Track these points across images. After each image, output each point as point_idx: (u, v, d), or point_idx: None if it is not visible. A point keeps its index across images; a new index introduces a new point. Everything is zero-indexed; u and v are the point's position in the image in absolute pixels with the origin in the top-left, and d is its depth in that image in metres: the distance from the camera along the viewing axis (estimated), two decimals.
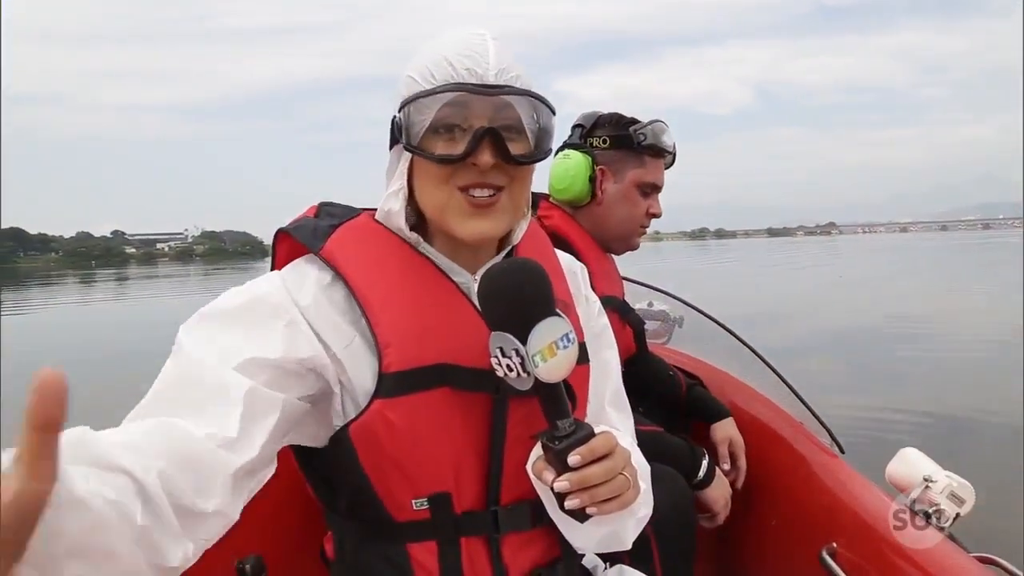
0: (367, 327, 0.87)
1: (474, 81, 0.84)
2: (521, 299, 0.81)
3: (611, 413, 1.08)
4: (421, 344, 0.87)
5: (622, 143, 1.57)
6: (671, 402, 1.74)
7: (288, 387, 0.83)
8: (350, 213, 0.98)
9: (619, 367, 1.13)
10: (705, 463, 1.51)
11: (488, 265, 0.94)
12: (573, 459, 0.79)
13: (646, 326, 2.47)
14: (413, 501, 0.89)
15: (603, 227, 1.61)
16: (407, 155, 0.89)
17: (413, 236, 0.93)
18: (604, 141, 1.58)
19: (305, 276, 0.90)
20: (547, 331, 0.80)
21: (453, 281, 0.92)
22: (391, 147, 0.93)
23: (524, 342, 0.79)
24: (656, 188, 1.61)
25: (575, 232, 1.57)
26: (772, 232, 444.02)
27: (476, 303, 0.90)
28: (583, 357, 0.99)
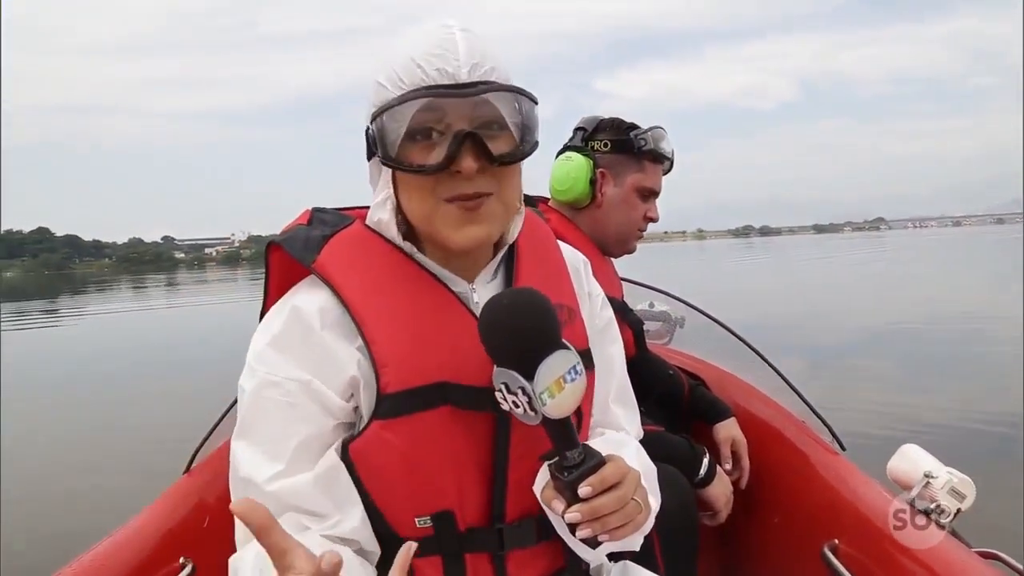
0: (364, 346, 0.84)
1: (446, 81, 0.79)
2: (525, 335, 0.77)
3: (617, 411, 1.07)
4: (420, 362, 0.84)
5: (623, 147, 1.60)
6: (673, 402, 1.74)
7: (340, 432, 0.87)
8: (343, 221, 0.93)
9: (624, 362, 1.11)
10: (706, 461, 1.52)
11: (486, 271, 0.92)
12: (584, 491, 0.77)
13: (647, 327, 2.47)
14: (416, 519, 0.86)
15: (602, 230, 1.63)
16: (378, 164, 0.87)
17: (407, 246, 0.89)
18: (605, 145, 1.60)
19: (303, 318, 0.86)
20: (554, 366, 0.77)
21: (452, 292, 0.89)
22: (368, 158, 0.89)
23: (530, 379, 0.76)
24: (654, 193, 1.63)
25: (573, 235, 1.58)
26: (818, 228, 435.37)
27: (476, 313, 0.86)
28: (588, 364, 0.95)
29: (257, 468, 0.82)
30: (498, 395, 0.80)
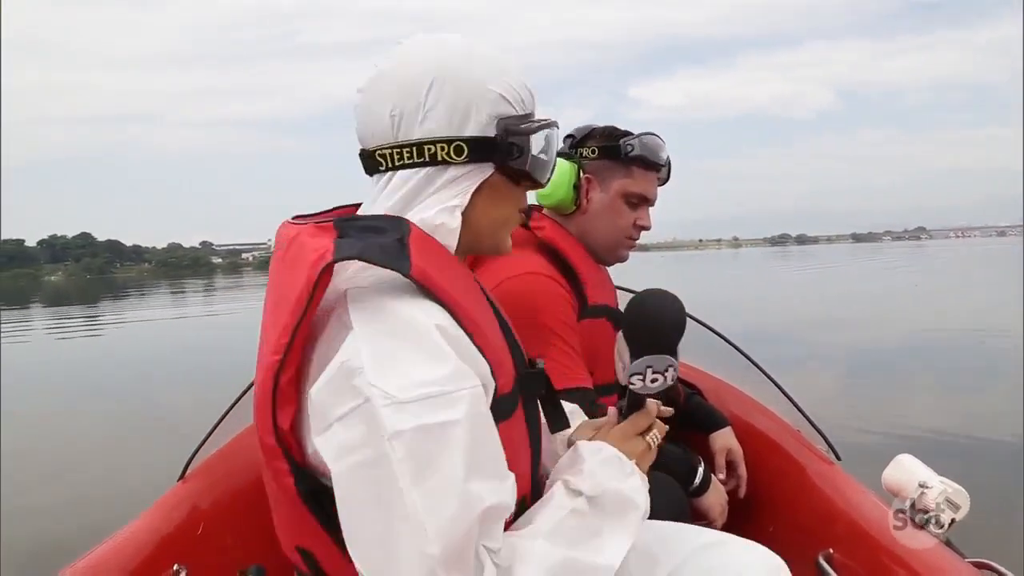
0: (478, 351, 0.79)
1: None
2: (677, 325, 0.99)
3: None
4: (508, 359, 0.87)
5: (610, 153, 1.57)
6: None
7: None
8: (400, 223, 0.83)
9: None
10: (701, 470, 1.51)
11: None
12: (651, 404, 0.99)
13: None
14: None
15: (589, 236, 1.61)
16: (481, 172, 0.87)
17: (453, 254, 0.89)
18: (593, 151, 1.58)
19: (444, 331, 0.76)
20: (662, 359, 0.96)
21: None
22: (469, 160, 0.86)
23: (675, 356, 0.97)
24: (645, 200, 1.61)
25: (565, 242, 1.57)
26: (857, 237, 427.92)
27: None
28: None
29: (503, 495, 0.75)
30: (635, 378, 0.95)
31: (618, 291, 1.68)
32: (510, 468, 0.79)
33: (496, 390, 0.81)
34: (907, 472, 1.28)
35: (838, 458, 1.52)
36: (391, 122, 0.85)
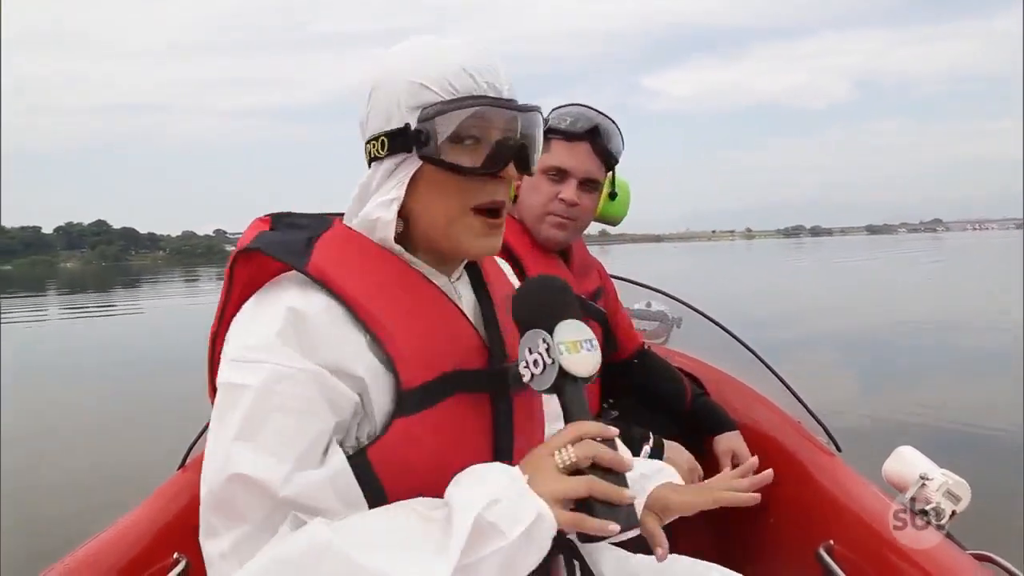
0: (377, 345, 0.83)
1: (492, 94, 0.86)
2: (550, 302, 0.87)
3: None
4: (431, 355, 0.86)
5: None
6: (672, 407, 1.72)
7: (336, 432, 0.82)
8: (323, 223, 0.93)
9: None
10: (647, 448, 1.47)
11: (460, 268, 0.98)
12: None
13: (644, 326, 2.43)
14: None
15: (524, 220, 1.56)
16: (411, 164, 0.87)
17: (397, 247, 0.91)
18: None
19: (303, 315, 0.81)
20: (572, 329, 0.85)
21: (439, 288, 0.92)
22: (388, 154, 0.88)
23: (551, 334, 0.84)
24: (564, 172, 1.52)
25: (510, 230, 1.43)
26: (872, 229, 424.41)
27: (461, 306, 0.92)
28: None
29: (270, 470, 0.75)
30: (521, 363, 0.84)
31: (623, 284, 1.66)
32: (442, 460, 0.82)
33: (399, 383, 0.82)
34: (908, 464, 1.28)
35: (838, 449, 1.52)
36: (360, 131, 0.93)
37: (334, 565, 0.71)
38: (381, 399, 0.83)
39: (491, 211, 0.89)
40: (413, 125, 0.85)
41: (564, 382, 0.83)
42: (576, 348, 0.83)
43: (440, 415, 0.85)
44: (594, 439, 0.80)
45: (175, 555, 1.32)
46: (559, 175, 1.52)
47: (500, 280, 1.04)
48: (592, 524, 0.76)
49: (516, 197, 1.56)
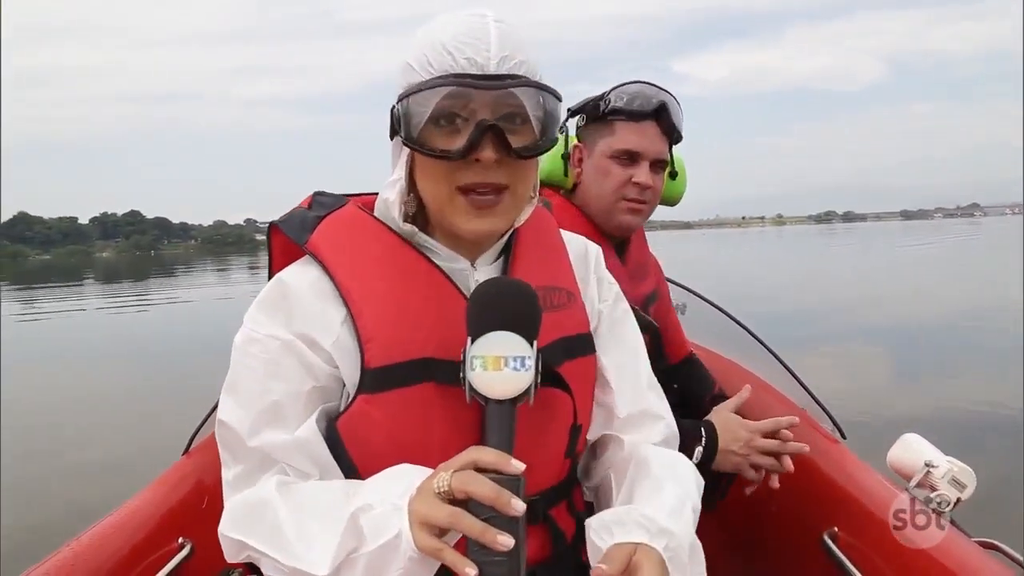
0: (351, 321, 0.86)
1: (474, 71, 0.80)
2: (493, 311, 0.79)
3: (652, 398, 1.07)
4: (404, 339, 0.85)
5: (592, 115, 1.46)
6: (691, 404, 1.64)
7: (320, 397, 0.88)
8: (338, 202, 0.97)
9: (645, 351, 1.10)
10: (698, 450, 1.36)
11: (489, 252, 0.95)
12: None
13: None
14: None
15: (588, 208, 1.49)
16: (403, 146, 0.87)
17: (407, 228, 0.91)
18: (582, 119, 1.48)
19: (289, 288, 0.89)
20: (501, 342, 0.77)
21: (443, 271, 0.90)
22: (391, 137, 0.90)
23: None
24: (635, 155, 1.44)
25: (572, 221, 1.43)
26: (906, 215, 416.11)
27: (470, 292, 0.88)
28: (586, 349, 0.98)
29: (240, 422, 0.86)
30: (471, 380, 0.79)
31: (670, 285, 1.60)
32: (399, 444, 0.84)
33: (363, 361, 0.85)
34: (913, 451, 1.26)
35: (843, 436, 1.50)
36: None
37: (271, 516, 0.81)
38: (351, 373, 0.86)
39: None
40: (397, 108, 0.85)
41: (484, 399, 0.77)
42: (497, 365, 0.76)
43: (403, 399, 0.84)
44: (487, 470, 0.71)
45: (180, 539, 1.33)
46: (630, 158, 1.45)
47: (537, 269, 0.96)
48: (450, 559, 0.69)
49: (576, 185, 1.51)
